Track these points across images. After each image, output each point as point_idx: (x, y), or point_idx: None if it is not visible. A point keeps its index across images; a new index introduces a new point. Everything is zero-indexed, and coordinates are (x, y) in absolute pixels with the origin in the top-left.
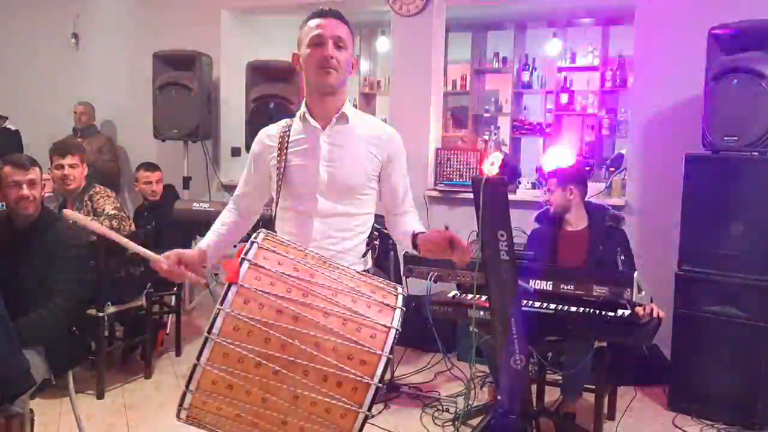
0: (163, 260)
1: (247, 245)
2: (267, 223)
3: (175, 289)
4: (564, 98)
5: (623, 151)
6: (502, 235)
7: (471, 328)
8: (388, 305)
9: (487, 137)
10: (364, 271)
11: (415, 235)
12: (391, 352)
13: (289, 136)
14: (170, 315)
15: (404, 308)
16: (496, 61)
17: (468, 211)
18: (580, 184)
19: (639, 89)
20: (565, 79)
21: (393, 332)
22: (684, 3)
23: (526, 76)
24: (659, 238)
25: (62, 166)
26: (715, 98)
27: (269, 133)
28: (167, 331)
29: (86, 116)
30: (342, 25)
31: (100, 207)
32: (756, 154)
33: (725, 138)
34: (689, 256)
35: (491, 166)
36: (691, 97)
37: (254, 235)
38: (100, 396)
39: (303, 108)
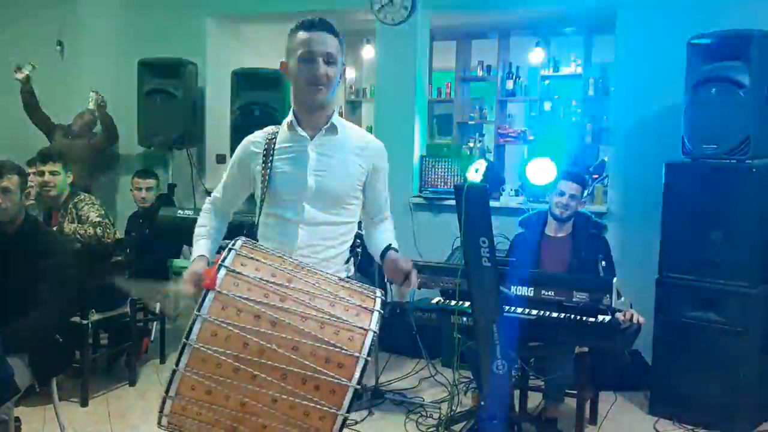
0: (192, 287)
1: (225, 252)
2: (250, 230)
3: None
4: (547, 106)
5: (606, 159)
6: (484, 242)
7: (454, 334)
8: (366, 308)
9: (471, 144)
10: (347, 277)
11: (385, 250)
12: (369, 354)
13: (275, 144)
14: (155, 322)
15: (382, 311)
16: (480, 69)
17: (453, 218)
18: None
19: (620, 97)
20: (549, 87)
21: (370, 335)
22: (664, 13)
23: (510, 85)
24: (640, 244)
25: (42, 173)
26: (694, 107)
27: (254, 140)
28: (151, 338)
29: (92, 123)
30: (332, 39)
31: (84, 214)
32: (735, 161)
33: (704, 146)
34: (670, 263)
35: (475, 173)
36: (670, 105)
37: (232, 242)
38: (84, 404)
39: (291, 116)
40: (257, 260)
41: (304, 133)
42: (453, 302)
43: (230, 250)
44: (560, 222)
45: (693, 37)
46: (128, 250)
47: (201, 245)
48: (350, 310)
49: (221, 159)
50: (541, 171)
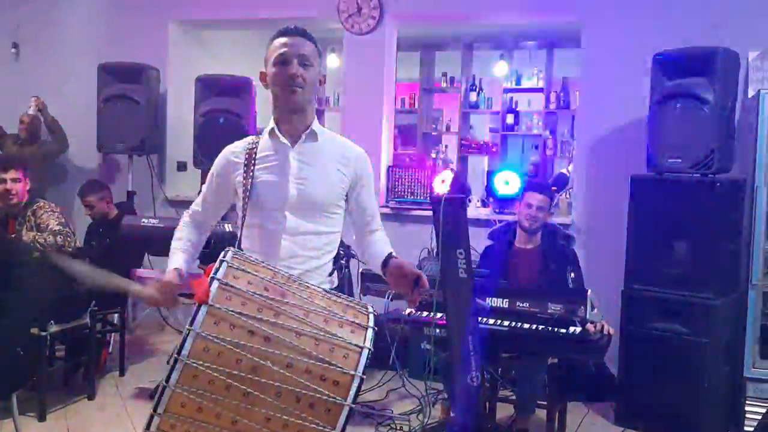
0: (157, 293)
1: (216, 264)
2: (232, 241)
3: (119, 307)
4: (510, 119)
5: (563, 171)
6: (460, 254)
7: (423, 345)
8: (359, 325)
9: (434, 155)
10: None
11: (387, 259)
12: (364, 372)
13: (256, 153)
14: (113, 333)
15: (375, 328)
16: (444, 80)
17: (420, 228)
18: None
19: (584, 111)
20: (511, 99)
21: (365, 352)
22: (628, 29)
23: (473, 97)
24: (605, 255)
25: (4, 180)
26: (659, 122)
27: (234, 150)
28: (110, 350)
29: (27, 125)
30: (307, 43)
31: (44, 222)
32: (698, 175)
33: (669, 160)
34: (635, 274)
35: (442, 184)
36: (635, 119)
37: (222, 253)
38: (41, 418)
39: (271, 125)
40: (249, 273)
41: (285, 140)
42: (425, 313)
43: (221, 261)
44: (529, 233)
45: (658, 52)
46: (87, 260)
47: (176, 258)
48: (344, 326)
49: (182, 166)
50: (507, 182)
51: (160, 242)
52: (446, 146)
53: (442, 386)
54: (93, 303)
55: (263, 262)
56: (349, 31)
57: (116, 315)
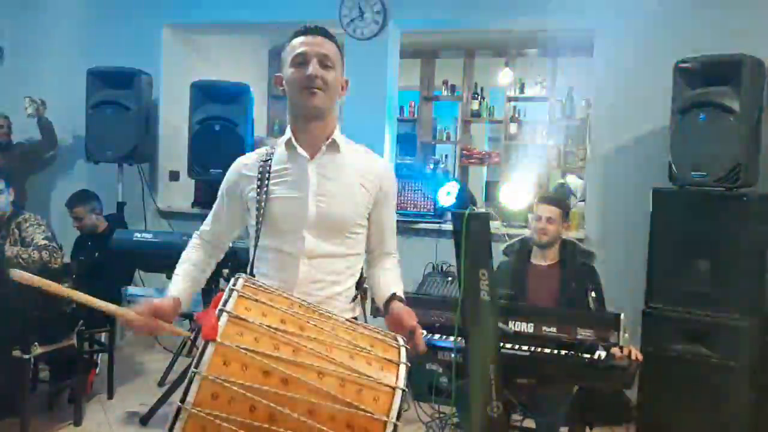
0: (135, 316)
1: (225, 293)
2: (244, 265)
3: (108, 325)
4: (513, 128)
5: (562, 181)
6: (483, 275)
7: (429, 366)
8: (390, 361)
9: (433, 165)
10: (353, 318)
11: (390, 300)
12: (398, 417)
13: (270, 166)
14: (100, 354)
15: (409, 363)
16: (445, 88)
17: (424, 242)
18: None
19: (600, 121)
20: (514, 108)
21: (399, 394)
22: (646, 36)
23: (474, 105)
24: (622, 273)
25: None
26: (681, 132)
27: (246, 162)
28: (97, 371)
29: (7, 129)
30: (329, 43)
31: (29, 236)
32: (724, 189)
33: (692, 173)
34: (656, 293)
35: (447, 197)
36: (654, 130)
37: (232, 281)
38: None
39: (288, 134)
40: (263, 303)
41: (303, 152)
42: (437, 336)
43: (231, 291)
44: (541, 248)
45: (680, 60)
46: (74, 276)
47: (177, 285)
48: (373, 363)
49: (174, 176)
50: (515, 195)
51: (152, 258)
52: (446, 156)
53: (451, 411)
54: (80, 322)
55: (278, 290)
56: (352, 36)
57: (104, 334)
